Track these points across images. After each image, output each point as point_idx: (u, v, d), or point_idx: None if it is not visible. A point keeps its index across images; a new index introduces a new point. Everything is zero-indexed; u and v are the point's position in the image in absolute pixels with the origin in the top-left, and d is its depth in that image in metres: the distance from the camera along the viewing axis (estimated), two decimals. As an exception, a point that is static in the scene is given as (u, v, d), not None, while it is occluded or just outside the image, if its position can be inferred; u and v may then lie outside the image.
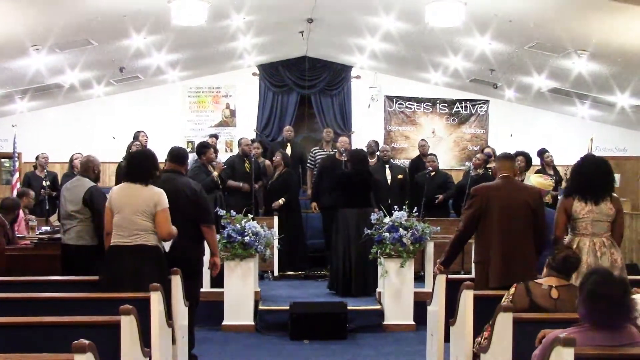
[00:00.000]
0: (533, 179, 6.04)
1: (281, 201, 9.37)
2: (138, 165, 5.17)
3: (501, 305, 3.87)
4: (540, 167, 10.33)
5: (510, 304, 3.91)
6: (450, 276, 5.43)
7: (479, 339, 4.28)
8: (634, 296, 3.40)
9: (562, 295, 4.03)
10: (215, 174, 8.72)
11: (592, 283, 3.16)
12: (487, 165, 9.54)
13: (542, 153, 10.64)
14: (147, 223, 4.96)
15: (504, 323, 3.80)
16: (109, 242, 5.08)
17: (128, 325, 3.71)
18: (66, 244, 6.11)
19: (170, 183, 5.57)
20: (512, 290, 4.15)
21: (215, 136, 11.27)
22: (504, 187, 5.22)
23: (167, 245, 5.21)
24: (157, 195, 5.02)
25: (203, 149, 8.84)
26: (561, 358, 3.00)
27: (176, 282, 5.07)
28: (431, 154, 10.52)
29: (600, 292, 3.10)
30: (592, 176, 5.03)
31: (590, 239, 4.99)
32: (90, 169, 6.26)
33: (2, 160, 13.33)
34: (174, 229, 5.08)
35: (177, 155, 5.85)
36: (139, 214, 4.94)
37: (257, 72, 13.27)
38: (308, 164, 10.69)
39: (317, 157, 10.58)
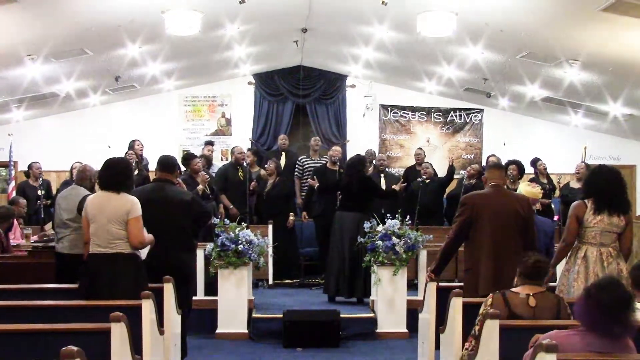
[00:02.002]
0: (522, 188, 6.08)
1: (292, 218, 9.54)
2: (110, 173, 5.07)
3: (487, 313, 3.89)
4: (533, 176, 10.37)
5: (497, 311, 3.93)
6: (441, 284, 5.48)
7: (464, 351, 4.28)
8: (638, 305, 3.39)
9: (540, 302, 4.05)
10: (199, 187, 8.35)
11: (593, 284, 3.21)
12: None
13: (535, 162, 10.67)
14: (122, 231, 4.87)
15: (490, 330, 3.83)
16: (87, 250, 5.03)
17: (118, 332, 3.73)
18: (60, 253, 6.16)
19: (160, 192, 5.60)
20: (489, 300, 4.11)
21: (211, 143, 11.16)
22: (494, 196, 5.26)
23: (143, 252, 5.12)
24: (130, 203, 4.93)
25: (187, 160, 8.65)
26: (545, 364, 3.02)
27: (168, 289, 5.10)
28: (426, 162, 10.60)
29: (593, 295, 3.11)
30: (613, 188, 5.03)
31: (597, 249, 5.02)
32: (86, 178, 6.33)
33: (-1, 169, 13.36)
34: (147, 237, 5.02)
35: (166, 164, 5.81)
36: (112, 222, 4.86)
37: (253, 81, 13.30)
38: (295, 173, 10.56)
39: (305, 167, 10.53)
